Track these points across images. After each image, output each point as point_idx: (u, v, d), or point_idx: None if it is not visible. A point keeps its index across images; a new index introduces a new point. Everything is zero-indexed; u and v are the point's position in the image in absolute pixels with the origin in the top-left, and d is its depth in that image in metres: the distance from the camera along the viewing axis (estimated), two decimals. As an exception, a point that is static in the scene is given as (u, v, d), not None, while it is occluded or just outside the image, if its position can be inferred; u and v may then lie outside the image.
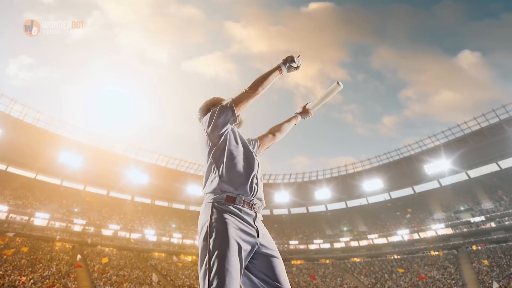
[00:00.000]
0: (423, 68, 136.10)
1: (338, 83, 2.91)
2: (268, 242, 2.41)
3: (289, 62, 2.67)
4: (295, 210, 71.78)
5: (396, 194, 62.21)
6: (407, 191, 61.09)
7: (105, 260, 40.62)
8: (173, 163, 61.29)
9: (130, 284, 37.48)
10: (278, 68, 2.66)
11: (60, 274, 34.59)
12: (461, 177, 54.46)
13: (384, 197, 62.99)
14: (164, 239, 56.22)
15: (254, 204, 2.44)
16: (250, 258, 2.29)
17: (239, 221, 2.30)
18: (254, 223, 2.38)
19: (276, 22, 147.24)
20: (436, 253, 48.05)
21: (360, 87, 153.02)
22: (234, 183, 2.42)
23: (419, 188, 59.82)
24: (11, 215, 43.61)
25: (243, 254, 2.19)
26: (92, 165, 53.71)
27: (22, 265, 33.73)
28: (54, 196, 50.94)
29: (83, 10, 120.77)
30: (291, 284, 48.05)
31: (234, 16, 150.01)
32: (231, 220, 2.26)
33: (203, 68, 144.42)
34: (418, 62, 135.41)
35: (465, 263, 43.44)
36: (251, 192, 2.44)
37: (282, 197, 68.96)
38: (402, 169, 58.84)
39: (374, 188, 62.19)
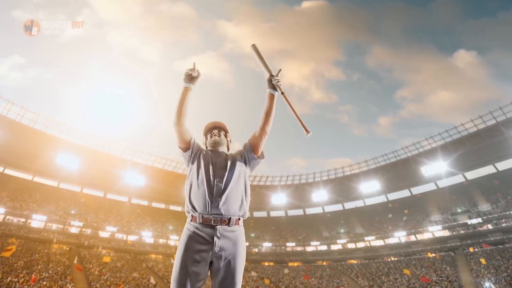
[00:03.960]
0: (419, 67, 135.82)
1: (251, 46, 3.01)
2: (226, 260, 2.67)
3: (189, 76, 2.94)
4: (292, 212, 71.98)
5: (393, 196, 62.32)
6: (404, 193, 61.26)
7: (106, 259, 40.57)
8: (170, 165, 61.27)
9: (127, 286, 37.42)
10: (185, 88, 2.94)
11: (57, 276, 34.49)
12: (458, 179, 54.63)
13: (381, 199, 63.14)
14: (161, 241, 56.19)
15: (213, 220, 2.71)
16: (213, 267, 2.66)
17: (195, 238, 2.69)
18: (214, 238, 2.67)
19: (269, 21, 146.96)
20: (433, 255, 48.06)
21: (355, 87, 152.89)
22: (193, 204, 2.81)
23: (416, 190, 59.95)
24: (8, 217, 43.55)
25: (194, 268, 2.58)
26: (89, 167, 53.73)
27: (19, 267, 33.62)
28: (51, 198, 50.89)
29: (73, 8, 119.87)
30: (288, 286, 48.12)
31: (227, 14, 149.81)
32: (188, 238, 2.70)
33: (196, 67, 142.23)
34: (414, 62, 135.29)
35: (462, 265, 43.44)
36: (207, 209, 2.74)
37: (279, 199, 69.03)
38: (399, 171, 58.91)
39: (371, 190, 62.23)
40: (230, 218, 2.75)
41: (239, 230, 2.81)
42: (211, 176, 2.86)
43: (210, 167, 2.93)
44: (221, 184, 2.83)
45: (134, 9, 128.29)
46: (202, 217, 2.72)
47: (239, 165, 3.01)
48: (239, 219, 2.81)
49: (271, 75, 2.96)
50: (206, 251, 2.63)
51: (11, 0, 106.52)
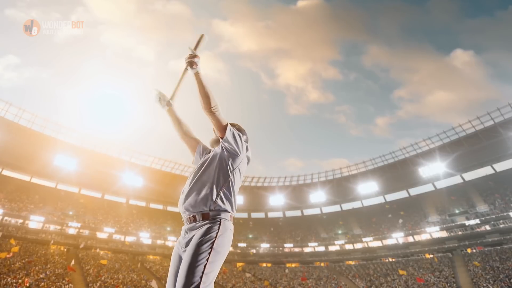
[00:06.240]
0: (416, 67, 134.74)
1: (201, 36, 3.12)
2: (185, 253, 2.68)
3: (161, 101, 3.21)
4: (290, 213, 71.93)
5: (391, 197, 62.43)
6: (402, 194, 61.35)
7: (103, 261, 40.49)
8: (167, 166, 61.26)
9: (125, 287, 37.32)
10: (169, 111, 3.28)
11: (55, 277, 34.39)
12: (456, 180, 54.77)
13: (379, 200, 63.18)
14: (159, 242, 56.05)
15: (185, 219, 2.87)
16: None
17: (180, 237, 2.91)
18: (186, 233, 2.81)
19: (264, 19, 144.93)
20: (431, 256, 48.10)
21: (352, 87, 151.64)
22: None
23: (414, 191, 60.13)
24: (6, 218, 43.41)
25: (176, 259, 2.75)
26: (87, 168, 53.68)
27: (17, 268, 33.50)
28: (49, 199, 50.74)
29: (66, 6, 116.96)
30: (286, 287, 48.05)
31: (222, 13, 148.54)
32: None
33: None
34: (411, 61, 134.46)
35: (460, 266, 43.50)
36: (181, 209, 2.90)
37: (277, 200, 69.09)
38: (397, 172, 59.02)
39: (369, 191, 62.34)
40: (195, 214, 2.74)
41: (208, 225, 2.68)
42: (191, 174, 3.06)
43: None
44: (187, 184, 2.94)
45: (128, 7, 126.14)
46: (182, 217, 2.92)
47: (212, 158, 2.96)
48: (208, 214, 2.71)
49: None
50: (179, 247, 2.78)
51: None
